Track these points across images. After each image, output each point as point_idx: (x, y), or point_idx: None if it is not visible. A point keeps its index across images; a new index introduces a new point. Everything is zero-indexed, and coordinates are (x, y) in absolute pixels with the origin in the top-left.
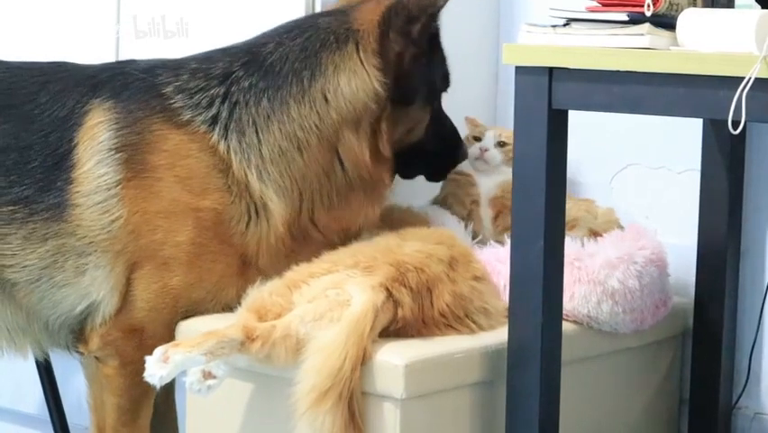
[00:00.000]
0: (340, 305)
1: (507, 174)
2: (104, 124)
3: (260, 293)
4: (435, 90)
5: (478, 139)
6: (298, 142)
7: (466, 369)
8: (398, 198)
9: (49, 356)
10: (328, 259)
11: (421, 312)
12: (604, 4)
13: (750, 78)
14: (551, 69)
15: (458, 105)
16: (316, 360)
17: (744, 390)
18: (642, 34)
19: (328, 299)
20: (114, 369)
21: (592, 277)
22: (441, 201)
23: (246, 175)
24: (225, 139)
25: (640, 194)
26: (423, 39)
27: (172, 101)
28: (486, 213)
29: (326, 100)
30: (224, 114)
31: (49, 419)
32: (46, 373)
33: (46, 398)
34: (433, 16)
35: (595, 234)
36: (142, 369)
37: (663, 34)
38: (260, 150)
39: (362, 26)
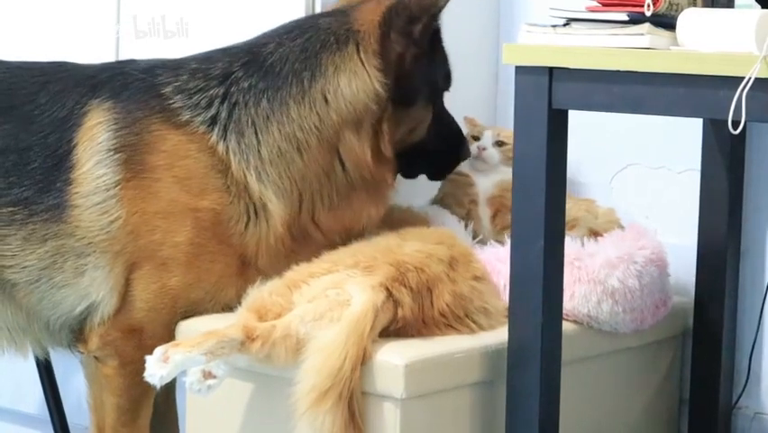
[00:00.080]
0: (340, 305)
1: (504, 173)
2: (103, 124)
3: (260, 293)
4: (437, 90)
5: (476, 138)
6: (298, 143)
7: (466, 369)
8: (399, 198)
9: (49, 356)
10: (328, 259)
11: (421, 312)
12: (604, 4)
13: (750, 78)
14: (551, 69)
15: (458, 105)
16: (316, 360)
17: (744, 390)
18: (642, 34)
19: (328, 299)
20: (114, 369)
21: (592, 276)
22: (439, 201)
23: (245, 176)
24: (224, 139)
25: (640, 194)
26: (424, 39)
27: (171, 101)
28: (484, 212)
29: (326, 101)
30: (224, 114)
31: (49, 419)
32: (46, 372)
33: (46, 398)
34: (434, 16)
35: (595, 234)
36: (142, 369)
37: (663, 34)
38: (259, 151)
39: (363, 27)
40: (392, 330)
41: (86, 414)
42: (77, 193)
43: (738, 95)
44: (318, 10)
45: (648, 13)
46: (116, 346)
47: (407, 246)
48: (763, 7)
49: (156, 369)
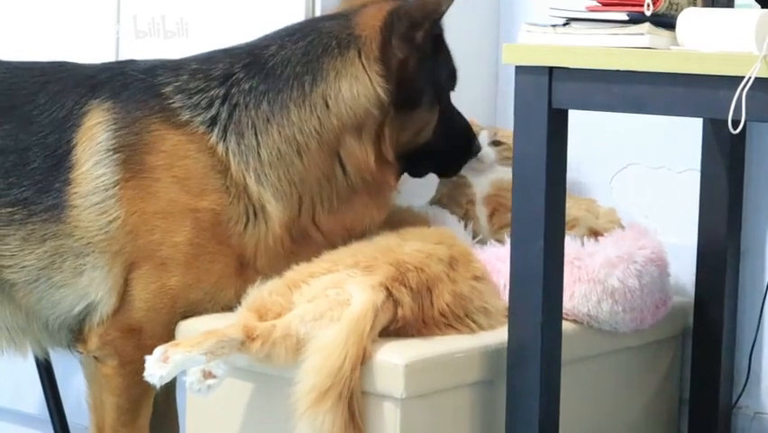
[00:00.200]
0: (340, 304)
1: (500, 172)
2: (102, 124)
3: (260, 293)
4: (442, 90)
5: None
6: (298, 146)
7: (466, 368)
8: (399, 199)
9: (49, 356)
10: (328, 259)
11: (421, 312)
12: (604, 4)
13: (750, 78)
14: (551, 69)
15: (458, 105)
16: (316, 359)
17: (744, 389)
18: (642, 34)
19: (328, 299)
20: (113, 369)
21: (592, 276)
22: (437, 202)
23: (244, 177)
24: (224, 140)
25: (640, 194)
26: (427, 44)
27: (171, 101)
28: (481, 212)
29: (327, 105)
30: (224, 115)
31: (49, 418)
32: (46, 372)
33: (46, 398)
34: (436, 22)
35: (596, 233)
36: (141, 369)
37: (663, 34)
38: (258, 152)
39: (364, 32)
40: (392, 330)
41: (85, 414)
42: (76, 193)
43: (738, 94)
44: (318, 10)
45: (648, 13)
46: (116, 346)
47: (407, 246)
48: (762, 7)
49: (156, 369)
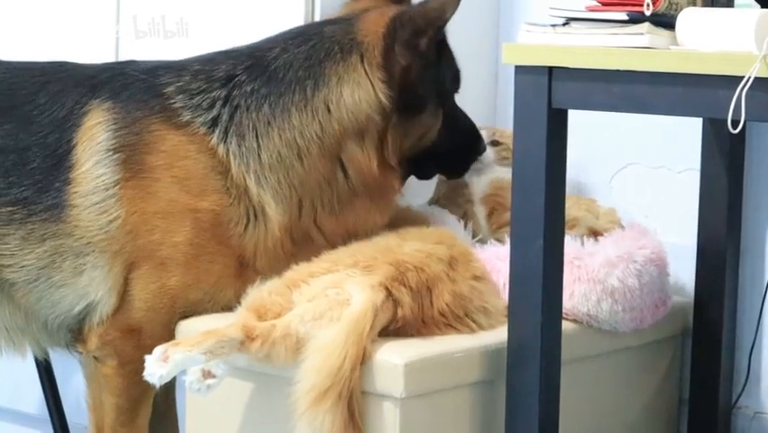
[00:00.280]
0: (339, 304)
1: (497, 172)
2: (102, 124)
3: (259, 292)
4: (446, 93)
5: None
6: (298, 150)
7: (466, 368)
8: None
9: (48, 356)
10: (328, 258)
11: (421, 311)
12: (604, 4)
13: (750, 78)
14: (550, 69)
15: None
16: (316, 359)
17: (743, 389)
18: (641, 33)
19: (328, 299)
20: (113, 369)
21: (592, 276)
22: (435, 203)
23: (245, 179)
24: (225, 142)
25: (640, 193)
26: (431, 51)
27: (172, 101)
28: (480, 211)
29: (329, 110)
30: (225, 116)
31: (49, 418)
32: (46, 372)
33: (46, 398)
34: (440, 29)
35: (596, 233)
36: (141, 369)
37: (663, 34)
38: (258, 155)
39: (367, 38)
40: (392, 330)
41: (85, 414)
42: (76, 193)
43: (738, 94)
44: (318, 11)
45: (648, 13)
46: (115, 346)
47: (407, 246)
48: (762, 7)
49: (155, 368)
